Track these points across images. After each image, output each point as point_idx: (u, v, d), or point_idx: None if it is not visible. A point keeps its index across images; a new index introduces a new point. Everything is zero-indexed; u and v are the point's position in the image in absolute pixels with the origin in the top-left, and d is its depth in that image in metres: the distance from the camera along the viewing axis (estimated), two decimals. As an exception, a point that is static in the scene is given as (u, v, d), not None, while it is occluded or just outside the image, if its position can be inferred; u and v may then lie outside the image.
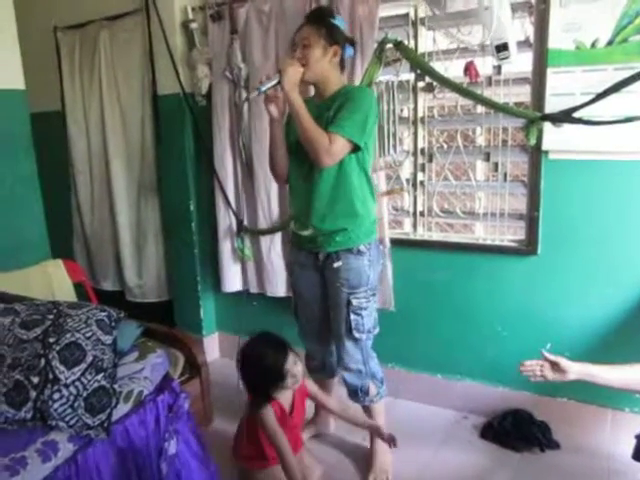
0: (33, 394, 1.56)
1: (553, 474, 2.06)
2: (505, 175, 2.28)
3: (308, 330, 2.19)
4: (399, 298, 2.48)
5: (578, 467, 2.08)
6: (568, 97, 2.00)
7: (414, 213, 2.52)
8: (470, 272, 2.37)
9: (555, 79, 2.03)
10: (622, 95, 1.89)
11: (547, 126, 2.07)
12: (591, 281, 2.14)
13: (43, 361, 1.60)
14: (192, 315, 3.12)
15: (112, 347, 1.74)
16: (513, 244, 2.30)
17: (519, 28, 2.13)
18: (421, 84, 2.36)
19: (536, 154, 2.15)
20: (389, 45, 2.24)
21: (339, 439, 2.34)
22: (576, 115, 1.98)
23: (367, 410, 2.10)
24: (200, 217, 3.01)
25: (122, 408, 1.72)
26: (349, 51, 1.97)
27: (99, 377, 1.64)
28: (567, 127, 2.03)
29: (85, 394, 1.59)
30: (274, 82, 1.80)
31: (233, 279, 2.94)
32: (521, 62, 2.11)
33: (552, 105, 2.04)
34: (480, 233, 2.50)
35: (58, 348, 1.62)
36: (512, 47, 2.01)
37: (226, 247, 2.89)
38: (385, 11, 2.30)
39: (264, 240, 2.76)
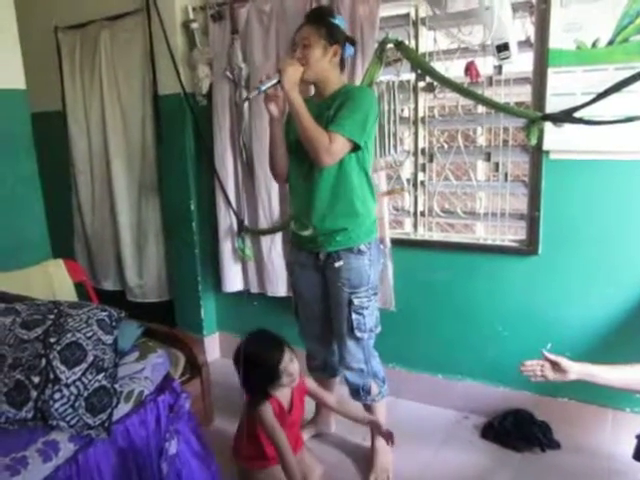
0: (34, 394, 1.56)
1: (554, 474, 2.06)
2: (506, 175, 2.28)
3: (308, 330, 2.19)
4: (400, 298, 2.48)
5: (579, 467, 2.08)
6: (569, 97, 2.00)
7: (415, 213, 2.52)
8: (471, 272, 2.37)
9: (556, 79, 2.03)
10: (623, 95, 1.89)
11: (548, 126, 2.07)
12: (592, 281, 2.14)
13: (44, 361, 1.60)
14: (193, 315, 3.12)
15: (113, 347, 1.74)
16: (514, 244, 2.30)
17: (520, 28, 2.12)
18: (422, 84, 2.36)
19: (537, 154, 2.15)
20: (390, 45, 2.24)
21: (340, 439, 2.35)
22: (577, 115, 1.98)
23: (369, 409, 2.10)
24: (201, 217, 3.01)
25: (123, 408, 1.72)
26: (349, 50, 1.96)
27: (100, 377, 1.64)
28: (568, 127, 2.03)
29: (86, 394, 1.60)
30: (274, 81, 1.80)
31: (234, 279, 2.94)
32: (522, 62, 2.11)
33: (553, 105, 2.04)
34: (481, 233, 2.50)
35: (59, 348, 1.62)
36: (513, 47, 2.00)
37: (227, 247, 2.89)
38: (386, 11, 2.30)
39: (265, 240, 2.76)
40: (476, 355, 2.43)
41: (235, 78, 2.64)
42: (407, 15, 2.31)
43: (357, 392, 2.09)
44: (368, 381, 2.07)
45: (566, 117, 2.00)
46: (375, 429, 1.93)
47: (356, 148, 1.85)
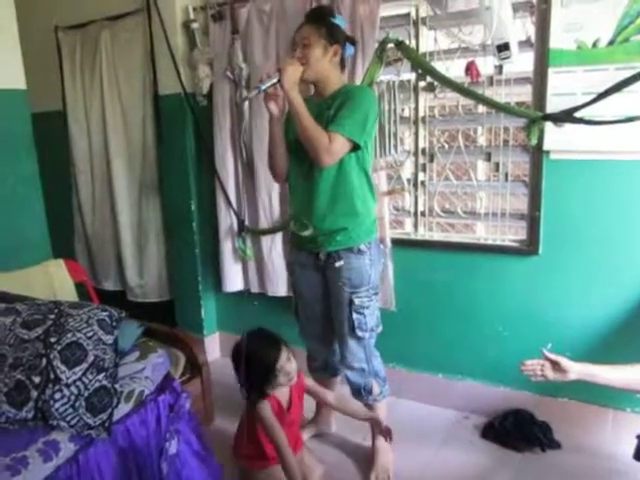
0: (34, 394, 1.56)
1: (554, 474, 2.06)
2: (506, 175, 2.28)
3: (309, 330, 2.19)
4: (400, 298, 2.48)
5: (579, 467, 2.07)
6: (569, 97, 2.00)
7: (415, 213, 2.52)
8: (471, 272, 2.37)
9: (556, 79, 2.03)
10: (623, 95, 1.89)
11: (548, 126, 2.07)
12: (592, 281, 2.14)
13: (44, 361, 1.60)
14: (193, 315, 3.12)
15: (113, 347, 1.74)
16: (514, 244, 2.30)
17: (520, 28, 2.12)
18: (422, 84, 2.36)
19: (537, 154, 2.15)
20: (390, 45, 2.24)
21: (340, 438, 2.34)
22: (577, 115, 1.97)
23: (370, 409, 2.10)
24: (201, 217, 3.01)
25: (123, 408, 1.73)
26: (349, 50, 1.96)
27: (100, 377, 1.64)
28: (568, 127, 2.03)
29: (86, 394, 1.60)
30: (274, 81, 1.80)
31: (234, 279, 2.94)
32: (522, 62, 2.11)
33: (553, 105, 2.04)
34: (481, 233, 2.50)
35: (59, 348, 1.63)
36: (513, 47, 2.00)
37: (227, 247, 2.89)
38: (386, 11, 2.30)
39: (265, 240, 2.76)
40: (476, 355, 2.43)
41: (235, 78, 2.64)
42: (407, 15, 2.31)
43: (359, 392, 2.10)
44: (370, 380, 2.07)
45: (567, 117, 2.00)
46: (375, 425, 1.93)
47: (356, 148, 1.85)
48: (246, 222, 2.82)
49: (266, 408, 1.71)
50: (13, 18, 2.45)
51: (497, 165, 2.30)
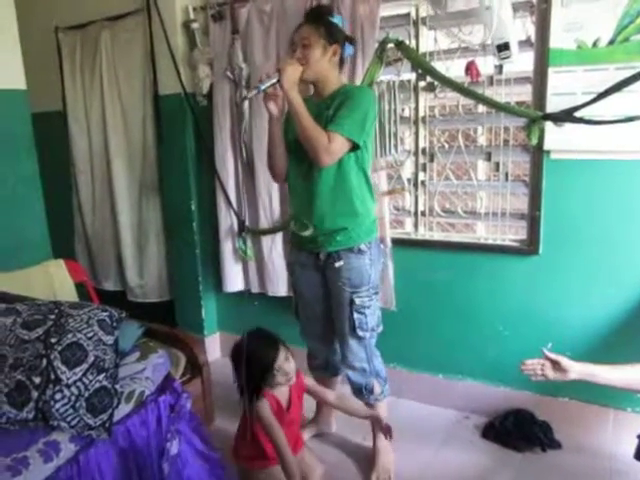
0: (35, 394, 1.56)
1: (555, 474, 2.06)
2: (506, 175, 2.28)
3: (310, 330, 2.19)
4: (400, 298, 2.48)
5: (580, 467, 2.07)
6: (569, 96, 2.00)
7: (415, 213, 2.52)
8: (471, 272, 2.37)
9: (556, 78, 2.03)
10: (623, 94, 1.89)
11: (548, 126, 2.07)
12: (593, 281, 2.14)
13: (45, 361, 1.60)
14: (193, 315, 3.12)
15: (113, 347, 1.74)
16: (514, 244, 2.30)
17: (520, 28, 2.12)
18: (422, 84, 2.36)
19: (537, 154, 2.15)
20: (390, 45, 2.24)
21: (341, 438, 2.34)
22: (577, 114, 1.97)
23: (371, 409, 2.10)
24: (201, 217, 3.01)
25: (123, 408, 1.72)
26: (349, 50, 1.96)
27: (101, 377, 1.64)
28: (568, 127, 2.03)
29: (87, 394, 1.60)
30: (273, 80, 1.80)
31: (234, 279, 2.94)
32: (522, 62, 2.11)
33: (553, 104, 2.04)
34: (481, 233, 2.50)
35: (60, 348, 1.63)
36: (513, 46, 2.00)
37: (227, 247, 2.89)
38: (386, 11, 2.30)
39: (265, 240, 2.76)
40: (477, 355, 2.43)
41: (235, 78, 2.64)
42: (407, 15, 2.31)
43: (360, 391, 2.10)
44: (371, 380, 2.08)
45: (567, 117, 2.00)
46: (375, 423, 1.93)
47: (355, 147, 1.85)
48: (246, 222, 2.82)
49: (265, 407, 1.71)
50: (13, 18, 2.45)
51: (497, 165, 2.30)
